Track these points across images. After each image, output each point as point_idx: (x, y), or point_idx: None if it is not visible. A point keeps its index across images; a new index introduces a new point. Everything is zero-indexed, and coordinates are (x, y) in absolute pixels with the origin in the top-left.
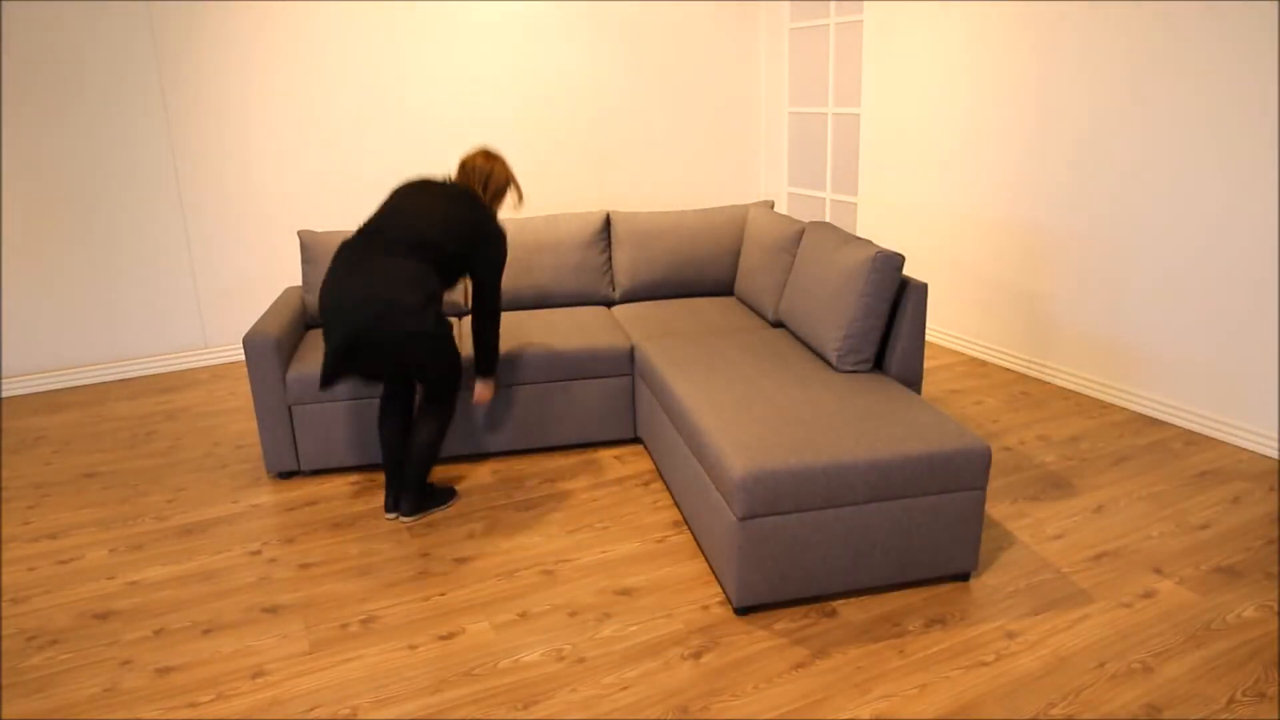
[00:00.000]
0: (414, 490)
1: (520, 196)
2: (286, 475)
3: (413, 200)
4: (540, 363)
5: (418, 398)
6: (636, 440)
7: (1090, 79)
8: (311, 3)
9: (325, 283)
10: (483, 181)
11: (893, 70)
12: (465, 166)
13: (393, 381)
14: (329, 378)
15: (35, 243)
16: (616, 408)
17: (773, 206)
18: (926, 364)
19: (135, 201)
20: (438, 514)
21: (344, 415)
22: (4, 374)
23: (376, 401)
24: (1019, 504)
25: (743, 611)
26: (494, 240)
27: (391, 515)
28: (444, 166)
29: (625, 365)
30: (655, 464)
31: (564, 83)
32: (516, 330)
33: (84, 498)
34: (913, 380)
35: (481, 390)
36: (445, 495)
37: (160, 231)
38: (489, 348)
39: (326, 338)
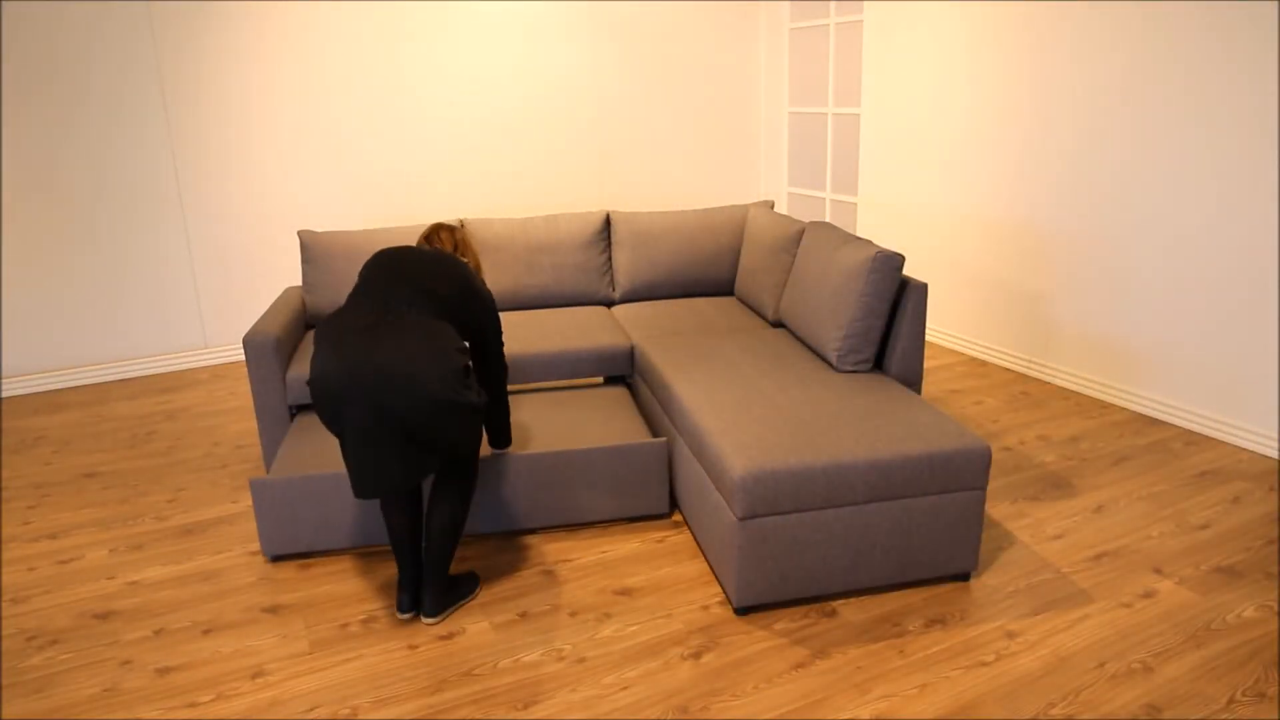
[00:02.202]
0: (438, 585)
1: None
2: None
3: (394, 257)
4: (540, 363)
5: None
6: None
7: (1090, 79)
8: (311, 3)
9: (319, 364)
10: (453, 246)
11: (893, 70)
12: (429, 238)
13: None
14: (370, 485)
15: (35, 243)
16: None
17: (773, 206)
18: (926, 364)
19: (135, 201)
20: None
21: None
22: (4, 374)
23: None
24: (1019, 504)
25: (743, 611)
26: (485, 297)
27: (408, 615)
28: (444, 167)
29: (625, 365)
30: None
31: (564, 83)
32: (516, 331)
33: (84, 498)
34: (913, 380)
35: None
36: (469, 584)
37: (160, 231)
38: (505, 421)
39: (343, 429)
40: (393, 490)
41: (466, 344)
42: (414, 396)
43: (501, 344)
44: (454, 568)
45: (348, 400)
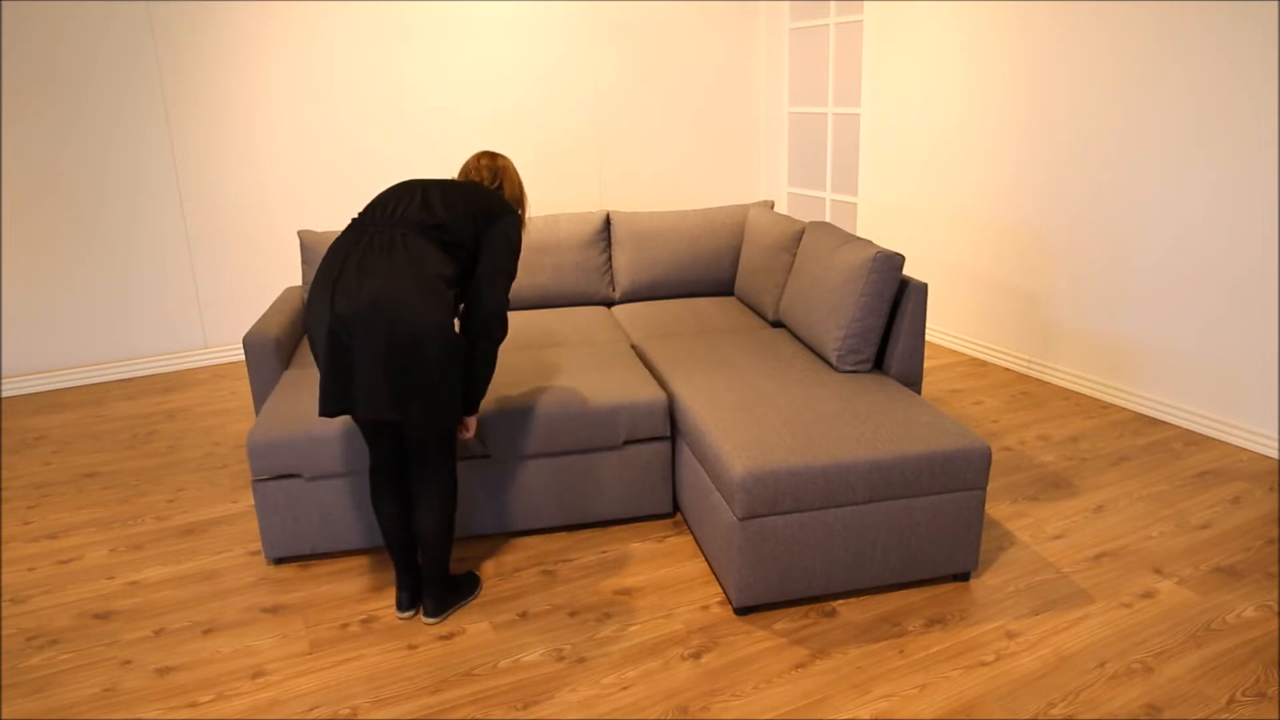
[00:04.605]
0: (437, 587)
1: (524, 213)
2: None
3: (409, 183)
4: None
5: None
6: None
7: (1090, 79)
8: (311, 3)
9: (319, 289)
10: (492, 179)
11: (893, 70)
12: (467, 168)
13: (381, 438)
14: (336, 404)
15: (35, 243)
16: None
17: (773, 206)
18: (926, 364)
19: (135, 201)
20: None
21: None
22: (4, 374)
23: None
24: (1019, 504)
25: (743, 611)
26: (505, 222)
27: (407, 614)
28: (444, 166)
29: None
30: None
31: (563, 82)
32: (516, 331)
33: (84, 498)
34: (913, 380)
35: (467, 423)
36: (470, 585)
37: (160, 231)
38: (477, 378)
39: (330, 356)
40: (351, 411)
41: (452, 274)
42: (394, 324)
43: (497, 294)
44: (454, 568)
45: (331, 324)
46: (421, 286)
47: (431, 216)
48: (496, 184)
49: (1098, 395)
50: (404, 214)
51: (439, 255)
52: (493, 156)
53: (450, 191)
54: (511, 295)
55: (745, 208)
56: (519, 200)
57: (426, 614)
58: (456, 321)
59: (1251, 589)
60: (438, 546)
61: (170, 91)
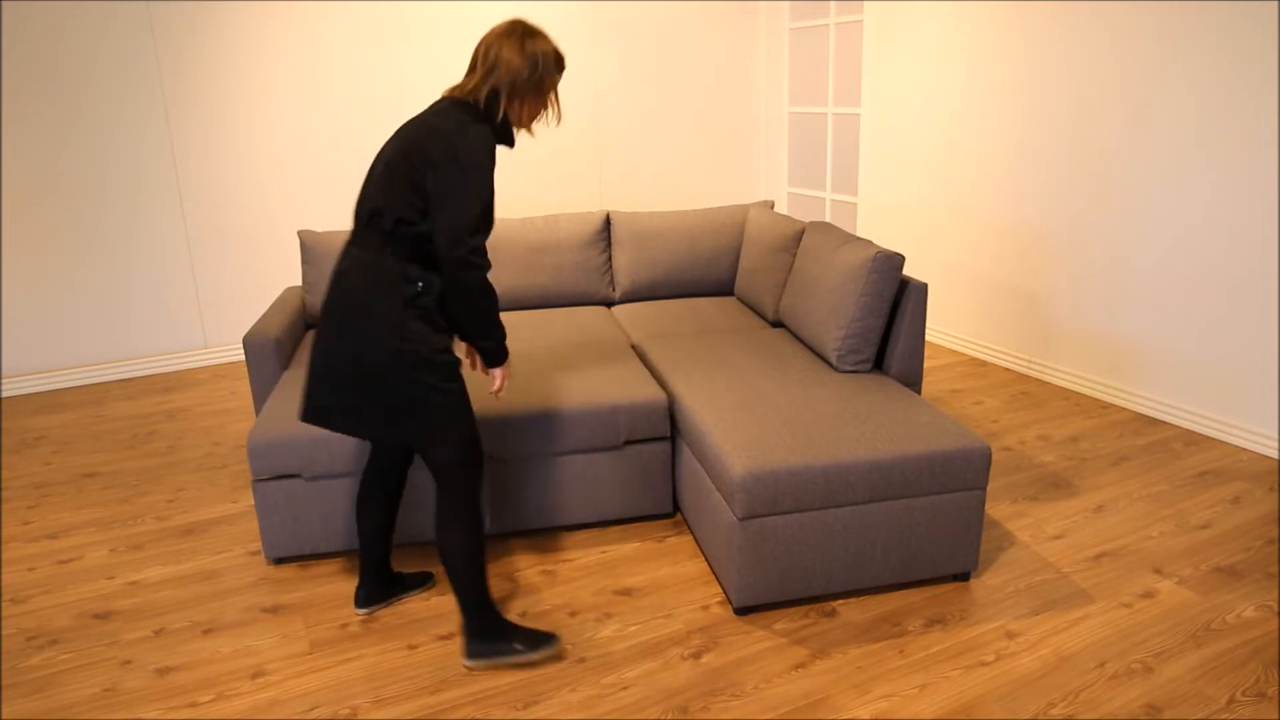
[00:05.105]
0: (469, 623)
1: (558, 110)
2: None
3: (371, 167)
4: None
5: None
6: None
7: (1090, 79)
8: (311, 3)
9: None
10: (486, 70)
11: (893, 70)
12: (473, 56)
13: (380, 444)
14: (309, 412)
15: (35, 243)
16: None
17: (773, 206)
18: (926, 364)
19: (135, 201)
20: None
21: None
22: (4, 374)
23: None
24: (1019, 504)
25: (743, 611)
26: (448, 143)
27: (363, 611)
28: None
29: None
30: None
31: (564, 82)
32: (516, 332)
33: (84, 498)
34: (913, 380)
35: (491, 379)
36: (526, 642)
37: (160, 231)
38: (461, 321)
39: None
40: (327, 425)
41: (421, 274)
42: (354, 359)
43: (452, 217)
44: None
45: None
46: (369, 319)
47: (373, 213)
48: (478, 76)
49: (1098, 395)
50: (358, 217)
51: (390, 259)
52: (502, 34)
53: (393, 156)
54: (512, 295)
55: (745, 208)
56: (517, 83)
57: (463, 654)
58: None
59: (1251, 589)
60: (459, 577)
61: (170, 91)
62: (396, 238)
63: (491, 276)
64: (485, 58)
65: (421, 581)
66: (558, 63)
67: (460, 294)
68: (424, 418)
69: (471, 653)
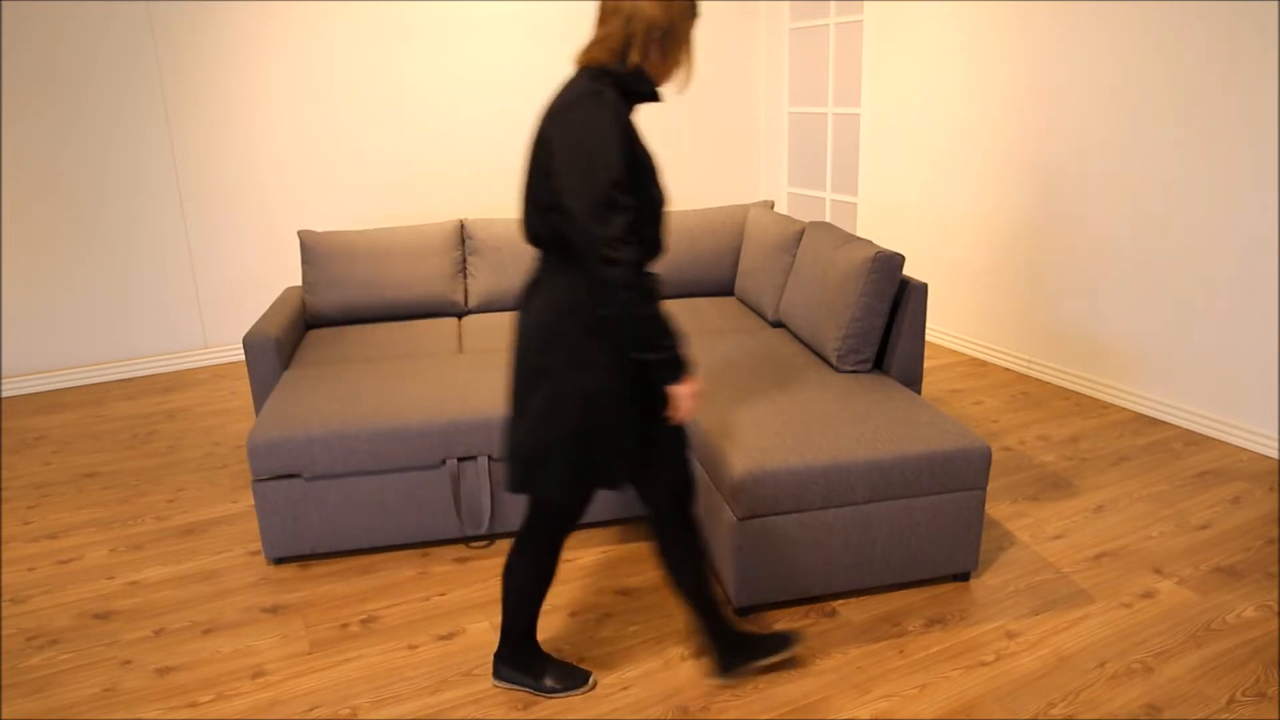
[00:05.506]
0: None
1: (692, 66)
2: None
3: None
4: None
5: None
6: None
7: (1090, 78)
8: (311, 3)
9: None
10: (620, 20)
11: (893, 70)
12: (600, 10)
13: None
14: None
15: (35, 242)
16: None
17: (773, 206)
18: (926, 364)
19: (135, 201)
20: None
21: None
22: (4, 374)
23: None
24: (1019, 504)
25: (743, 611)
26: (565, 121)
27: (724, 680)
28: (444, 166)
29: None
30: None
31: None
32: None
33: (84, 498)
34: (913, 380)
35: (674, 401)
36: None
37: (160, 231)
38: (623, 330)
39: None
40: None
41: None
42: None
43: (585, 225)
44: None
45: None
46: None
47: (527, 227)
48: (608, 29)
49: (1098, 395)
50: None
51: (561, 275)
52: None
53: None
54: (512, 295)
55: (745, 208)
56: (651, 31)
57: (499, 677)
58: None
59: (1251, 589)
60: (508, 605)
61: (170, 91)
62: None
63: (492, 277)
64: (615, 8)
65: (776, 647)
66: (692, 7)
67: (606, 309)
68: (543, 430)
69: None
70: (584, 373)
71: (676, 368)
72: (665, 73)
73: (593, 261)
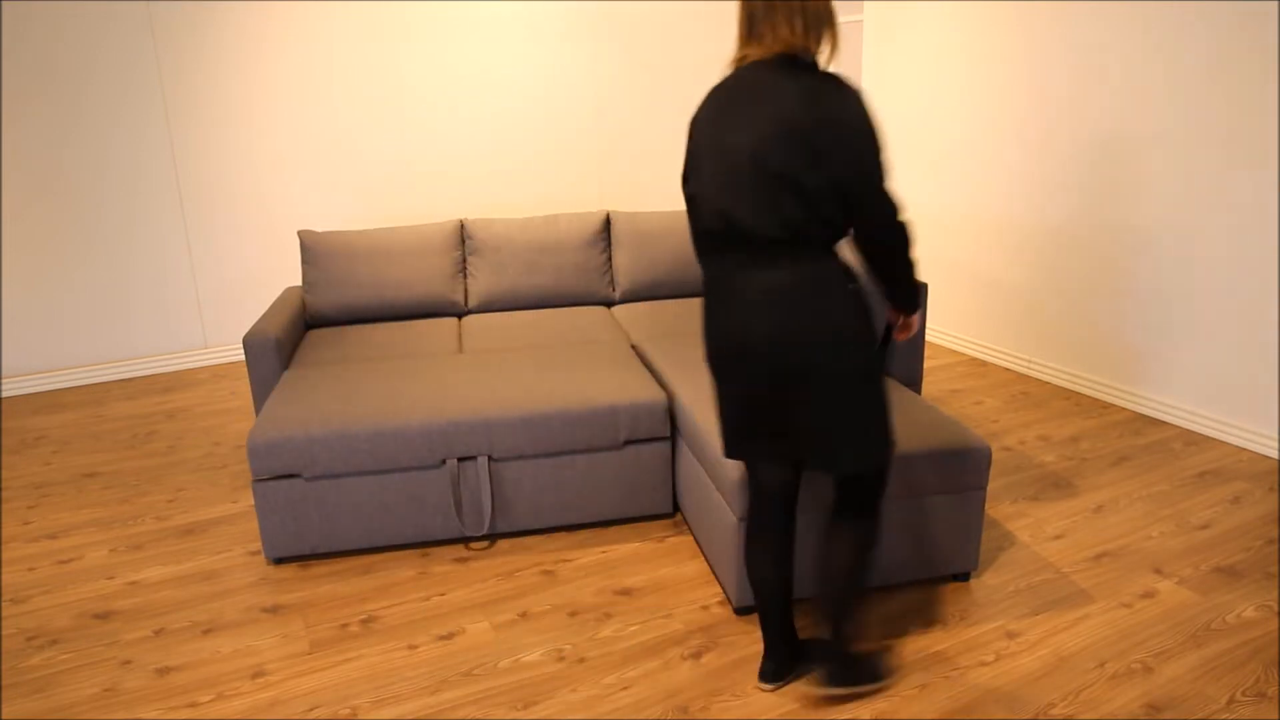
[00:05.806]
0: (837, 645)
1: (835, 39)
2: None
3: (720, 135)
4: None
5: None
6: None
7: (1090, 78)
8: (311, 3)
9: (711, 325)
10: (811, 19)
11: (893, 70)
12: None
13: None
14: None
15: (35, 243)
16: None
17: None
18: (926, 364)
19: (135, 201)
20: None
21: None
22: (4, 374)
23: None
24: (1019, 504)
25: (743, 611)
26: (846, 112)
27: (770, 686)
28: (444, 166)
29: None
30: None
31: (563, 82)
32: (516, 332)
33: (84, 498)
34: (913, 380)
35: (911, 324)
36: (871, 669)
37: (160, 231)
38: (894, 279)
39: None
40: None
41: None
42: (807, 370)
43: (876, 190)
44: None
45: (736, 362)
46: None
47: (771, 218)
48: (797, 23)
49: (1098, 395)
50: (756, 199)
51: (804, 261)
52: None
53: (775, 127)
54: (512, 295)
55: None
56: (829, 14)
57: (830, 683)
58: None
59: (1251, 589)
60: (843, 597)
61: (170, 91)
62: (823, 220)
63: (492, 277)
64: (787, 3)
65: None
66: None
67: (890, 241)
68: (862, 420)
69: (828, 679)
70: (862, 335)
71: (920, 296)
72: (833, 56)
73: (891, 213)
